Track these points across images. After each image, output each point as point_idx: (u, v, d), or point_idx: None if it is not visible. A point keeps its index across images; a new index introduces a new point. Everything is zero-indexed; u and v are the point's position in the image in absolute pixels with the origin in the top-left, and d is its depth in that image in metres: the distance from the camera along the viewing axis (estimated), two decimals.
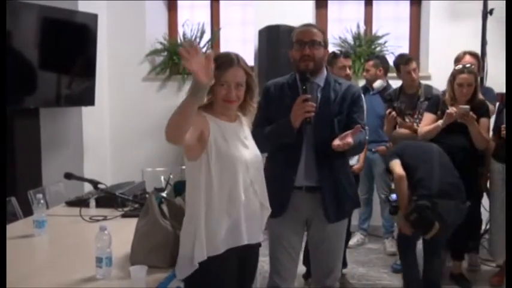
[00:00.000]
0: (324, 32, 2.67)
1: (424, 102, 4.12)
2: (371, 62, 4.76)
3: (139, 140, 5.73)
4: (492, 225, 3.89)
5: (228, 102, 2.11)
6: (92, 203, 3.24)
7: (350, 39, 5.59)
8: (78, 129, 5.22)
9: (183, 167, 2.28)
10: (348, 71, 3.78)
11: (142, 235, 2.19)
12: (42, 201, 2.72)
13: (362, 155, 4.00)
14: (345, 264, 3.96)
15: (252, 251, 2.25)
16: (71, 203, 3.33)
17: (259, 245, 2.28)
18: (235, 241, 2.12)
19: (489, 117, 3.80)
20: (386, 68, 4.76)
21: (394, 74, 4.55)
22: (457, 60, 4.17)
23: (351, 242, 4.74)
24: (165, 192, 2.71)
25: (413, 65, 4.22)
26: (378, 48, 5.50)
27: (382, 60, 4.83)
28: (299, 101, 2.47)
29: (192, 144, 2.00)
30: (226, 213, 2.08)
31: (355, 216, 4.44)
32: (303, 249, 3.00)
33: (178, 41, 5.87)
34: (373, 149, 4.49)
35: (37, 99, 4.71)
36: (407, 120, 4.14)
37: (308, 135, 2.58)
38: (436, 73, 5.00)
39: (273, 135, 2.58)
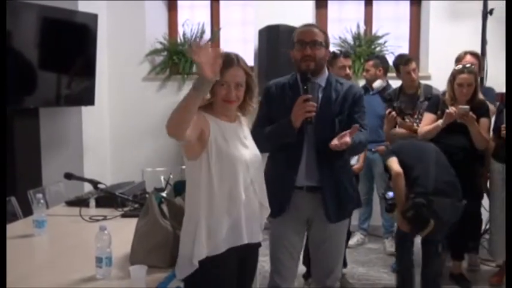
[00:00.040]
0: (325, 32, 2.68)
1: (424, 102, 4.12)
2: (371, 62, 4.76)
3: (139, 140, 5.73)
4: (492, 225, 3.90)
5: (227, 102, 2.12)
6: (92, 202, 3.24)
7: (350, 39, 5.59)
8: (78, 129, 5.22)
9: (183, 167, 2.28)
10: (348, 71, 3.77)
11: (142, 235, 2.19)
12: (42, 201, 2.72)
13: (362, 154, 4.01)
14: (344, 264, 3.96)
15: (252, 250, 2.25)
16: (70, 203, 3.33)
17: (259, 244, 2.28)
18: (236, 240, 2.12)
19: (489, 117, 3.80)
20: (386, 68, 4.76)
21: (394, 74, 4.55)
22: (458, 60, 4.17)
23: (351, 242, 4.75)
24: (165, 192, 2.71)
25: (413, 65, 4.22)
26: (378, 48, 5.50)
27: (382, 60, 4.83)
28: (300, 101, 2.47)
29: (192, 141, 2.00)
30: (227, 213, 2.08)
31: (355, 216, 4.45)
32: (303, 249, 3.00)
33: (178, 41, 5.87)
34: (373, 149, 4.48)
35: (37, 99, 4.71)
36: (407, 120, 4.14)
37: (309, 135, 2.58)
38: (436, 73, 5.00)
39: (274, 135, 2.58)
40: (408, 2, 5.68)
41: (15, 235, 2.63)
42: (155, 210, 2.19)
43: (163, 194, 2.43)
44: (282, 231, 2.70)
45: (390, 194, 3.53)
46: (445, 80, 3.84)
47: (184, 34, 5.84)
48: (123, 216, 3.01)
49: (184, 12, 6.04)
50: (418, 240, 3.62)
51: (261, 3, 5.53)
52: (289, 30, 4.78)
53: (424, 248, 3.53)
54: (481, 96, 3.85)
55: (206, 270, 2.03)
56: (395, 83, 4.51)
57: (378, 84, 4.63)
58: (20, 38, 4.34)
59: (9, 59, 4.06)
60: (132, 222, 2.33)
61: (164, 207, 2.26)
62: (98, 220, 2.91)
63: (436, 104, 3.87)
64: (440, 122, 3.71)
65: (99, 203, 3.23)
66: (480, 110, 3.73)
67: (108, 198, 3.17)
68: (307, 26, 2.70)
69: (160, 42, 5.84)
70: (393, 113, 4.09)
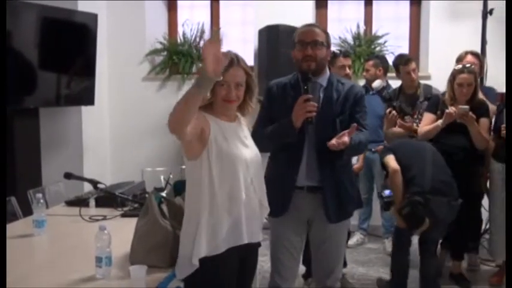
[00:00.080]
0: (327, 32, 2.67)
1: (424, 102, 4.12)
2: (371, 62, 4.76)
3: (139, 140, 5.73)
4: (492, 225, 3.90)
5: (228, 102, 2.12)
6: (92, 202, 3.24)
7: (350, 39, 5.58)
8: (78, 129, 5.21)
9: (183, 166, 2.28)
10: (348, 71, 3.78)
11: (142, 235, 2.19)
12: (41, 200, 2.72)
13: (361, 154, 4.01)
14: (344, 264, 3.96)
15: (251, 250, 2.25)
16: (70, 203, 3.33)
17: (259, 244, 2.29)
18: (236, 240, 2.12)
19: (489, 117, 3.80)
20: (386, 68, 4.76)
21: (394, 74, 4.55)
22: (459, 60, 4.16)
23: (351, 242, 4.76)
24: (165, 192, 2.71)
25: (413, 65, 4.22)
26: (378, 48, 5.50)
27: (382, 60, 4.83)
28: (300, 101, 2.48)
29: (192, 140, 2.00)
30: (228, 212, 2.08)
31: (355, 215, 4.41)
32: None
33: (178, 41, 5.87)
34: (372, 149, 4.48)
35: (37, 99, 4.71)
36: (406, 119, 4.14)
37: (310, 135, 2.58)
38: (436, 73, 4.99)
39: (275, 135, 2.59)
40: (408, 2, 5.67)
41: (15, 235, 2.63)
42: (155, 210, 2.19)
43: (163, 194, 2.43)
44: (283, 231, 2.70)
45: (386, 192, 3.55)
46: (445, 80, 3.84)
47: (184, 34, 5.84)
48: (123, 216, 3.02)
49: (184, 12, 6.04)
50: (416, 240, 3.63)
51: (261, 3, 5.53)
52: (289, 30, 4.78)
53: (421, 247, 3.55)
54: (481, 96, 3.85)
55: (206, 270, 2.03)
56: (395, 83, 4.51)
57: (377, 83, 4.63)
58: (20, 37, 4.34)
59: (9, 58, 4.06)
60: (132, 222, 2.33)
61: (164, 207, 2.26)
62: (97, 220, 2.91)
63: (435, 104, 3.87)
64: (440, 122, 3.71)
65: (99, 203, 3.23)
66: (480, 110, 3.73)
67: (108, 198, 3.17)
68: (308, 26, 2.70)
69: (160, 42, 5.84)
70: (393, 112, 4.09)
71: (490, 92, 4.16)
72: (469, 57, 4.16)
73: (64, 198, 3.54)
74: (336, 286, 2.78)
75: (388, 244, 4.69)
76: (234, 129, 2.17)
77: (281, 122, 2.56)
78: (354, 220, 4.49)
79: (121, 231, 2.48)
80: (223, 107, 2.14)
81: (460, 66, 3.80)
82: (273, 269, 2.77)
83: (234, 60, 2.11)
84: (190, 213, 2.09)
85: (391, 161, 3.49)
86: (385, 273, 4.19)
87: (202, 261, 2.03)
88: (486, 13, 4.66)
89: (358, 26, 5.59)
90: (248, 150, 2.19)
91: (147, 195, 2.47)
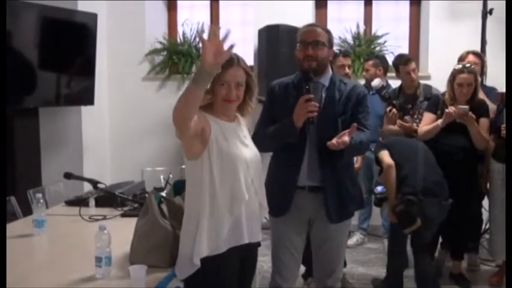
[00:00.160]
0: (329, 32, 2.67)
1: (424, 102, 4.12)
2: (371, 62, 4.76)
3: (139, 140, 5.72)
4: (492, 225, 3.89)
5: (228, 101, 2.12)
6: (92, 202, 3.24)
7: (350, 39, 5.59)
8: (78, 129, 5.21)
9: (183, 166, 2.28)
10: (347, 70, 3.78)
11: (141, 235, 2.19)
12: (41, 200, 2.72)
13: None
14: (344, 264, 3.96)
15: (252, 250, 2.25)
16: (70, 203, 3.33)
17: (258, 244, 2.29)
18: (237, 240, 2.12)
19: (489, 117, 3.80)
20: (385, 68, 4.76)
21: (394, 74, 4.55)
22: (461, 60, 4.15)
23: (351, 242, 4.76)
24: (165, 191, 2.71)
25: (413, 65, 4.22)
26: (378, 48, 5.50)
27: (382, 60, 4.82)
28: (301, 101, 2.48)
29: (194, 138, 2.00)
30: (229, 212, 2.08)
31: (355, 215, 4.42)
32: None
33: (178, 40, 5.87)
34: (372, 149, 4.48)
35: (37, 99, 4.71)
36: (406, 118, 4.13)
37: (311, 135, 2.57)
38: (436, 73, 4.99)
39: (276, 135, 2.59)
40: (408, 2, 5.68)
41: (15, 235, 2.63)
42: (155, 210, 2.19)
43: (163, 194, 2.43)
44: (284, 231, 2.69)
45: (379, 188, 3.58)
46: (445, 80, 3.84)
47: (184, 34, 5.84)
48: (123, 215, 3.02)
49: (184, 12, 6.04)
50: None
51: (261, 3, 5.53)
52: (289, 30, 4.80)
53: (413, 246, 3.57)
54: (481, 96, 3.85)
55: (207, 270, 2.03)
56: (395, 83, 4.51)
57: (376, 82, 4.63)
58: (19, 37, 4.34)
59: (9, 58, 4.05)
60: (132, 222, 2.33)
61: (164, 207, 2.26)
62: (97, 220, 2.91)
63: (435, 103, 3.87)
64: (440, 121, 3.71)
65: (99, 203, 3.23)
66: (480, 110, 3.73)
67: (107, 198, 3.17)
68: (310, 26, 2.70)
69: (160, 42, 5.84)
70: (394, 110, 4.08)
71: (491, 92, 4.16)
72: (471, 57, 4.15)
73: (64, 198, 3.54)
74: (336, 286, 2.78)
75: None
76: (233, 129, 2.17)
77: (282, 122, 2.56)
78: (354, 220, 4.46)
79: (121, 231, 2.48)
80: (223, 107, 2.13)
81: (460, 66, 3.80)
82: (274, 269, 2.77)
83: (234, 60, 2.11)
84: (190, 213, 2.08)
85: (385, 156, 3.52)
86: (385, 273, 4.19)
87: (203, 261, 2.02)
88: (486, 13, 4.66)
89: (358, 26, 5.60)
90: (248, 150, 2.19)
91: (147, 195, 2.47)
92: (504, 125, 3.56)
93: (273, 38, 4.98)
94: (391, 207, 3.43)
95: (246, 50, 5.55)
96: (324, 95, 2.63)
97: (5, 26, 3.68)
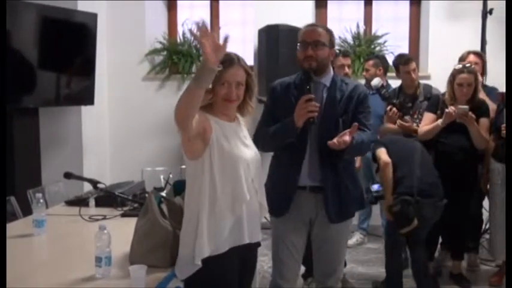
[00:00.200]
0: (330, 32, 2.66)
1: (424, 102, 4.12)
2: (371, 62, 4.76)
3: (139, 140, 5.72)
4: (492, 225, 3.90)
5: (228, 101, 2.12)
6: (92, 202, 3.24)
7: (350, 39, 5.59)
8: (78, 129, 5.21)
9: (183, 166, 2.28)
10: (347, 70, 3.78)
11: (141, 235, 2.19)
12: (41, 200, 2.72)
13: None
14: (344, 264, 3.96)
15: (252, 250, 2.25)
16: (70, 203, 3.33)
17: (258, 244, 2.28)
18: (238, 240, 2.12)
19: (489, 117, 3.80)
20: (385, 68, 4.76)
21: (394, 74, 4.55)
22: (462, 60, 4.15)
23: (351, 242, 4.75)
24: (165, 191, 2.71)
25: (413, 65, 4.22)
26: (378, 48, 5.50)
27: (382, 59, 4.82)
28: (302, 101, 2.48)
29: (195, 138, 2.00)
30: (230, 212, 2.08)
31: (355, 215, 4.45)
32: None
33: (178, 40, 5.87)
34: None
35: (36, 99, 4.71)
36: (406, 118, 4.13)
37: (312, 135, 2.58)
38: (436, 73, 4.99)
39: (277, 135, 2.59)
40: (408, 2, 5.68)
41: (15, 235, 2.63)
42: (155, 210, 2.19)
43: (163, 194, 2.43)
44: (284, 231, 2.69)
45: (375, 186, 3.59)
46: (445, 80, 3.84)
47: (184, 34, 5.83)
48: (123, 215, 3.02)
49: (184, 11, 6.04)
50: None
51: (261, 3, 5.53)
52: (289, 30, 4.80)
53: (409, 245, 3.59)
54: (481, 96, 3.85)
55: (208, 270, 2.02)
56: (395, 83, 4.50)
57: (376, 81, 4.61)
58: (19, 37, 4.34)
59: (9, 58, 4.06)
60: (132, 222, 2.33)
61: (164, 207, 2.26)
62: (97, 220, 2.91)
63: (436, 103, 3.87)
64: (440, 121, 3.71)
65: (99, 203, 3.23)
66: (480, 110, 3.73)
67: (107, 198, 3.16)
68: (311, 26, 2.70)
69: (160, 42, 5.83)
70: (394, 109, 4.08)
71: (492, 92, 4.16)
72: (472, 57, 4.15)
73: (64, 198, 3.53)
74: (336, 286, 2.78)
75: None
76: (234, 129, 2.17)
77: (283, 122, 2.56)
78: (354, 220, 4.46)
79: (121, 231, 2.48)
80: (223, 107, 2.13)
81: (460, 66, 3.80)
82: (274, 269, 2.77)
83: (234, 59, 2.11)
84: (191, 213, 2.08)
85: (382, 154, 3.53)
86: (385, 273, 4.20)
87: (204, 261, 2.02)
88: (486, 13, 4.66)
89: (357, 26, 5.60)
90: (248, 150, 2.19)
91: (146, 195, 2.47)
92: (504, 125, 3.56)
93: (273, 38, 4.97)
94: (387, 206, 3.44)
95: (246, 50, 5.56)
96: (325, 95, 2.63)
97: (5, 26, 3.68)
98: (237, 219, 2.10)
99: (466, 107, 3.62)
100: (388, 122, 4.15)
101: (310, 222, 2.71)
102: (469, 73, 3.71)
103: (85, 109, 5.19)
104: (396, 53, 4.99)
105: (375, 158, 3.62)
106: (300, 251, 2.76)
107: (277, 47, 4.87)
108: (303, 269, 3.74)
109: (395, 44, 5.48)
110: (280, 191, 2.57)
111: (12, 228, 2.77)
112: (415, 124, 4.05)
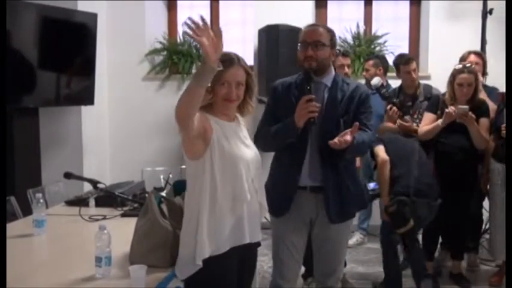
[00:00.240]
0: (331, 32, 2.66)
1: (424, 102, 4.12)
2: (371, 62, 4.76)
3: (139, 140, 5.72)
4: (492, 225, 3.89)
5: (228, 101, 2.12)
6: (92, 202, 3.24)
7: (350, 39, 5.59)
8: (78, 129, 5.21)
9: (183, 166, 2.28)
10: (347, 70, 3.77)
11: (141, 235, 2.19)
12: (41, 200, 2.72)
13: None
14: (344, 264, 3.96)
15: (252, 250, 2.25)
16: (70, 203, 3.33)
17: (258, 244, 2.28)
18: (238, 240, 2.12)
19: (489, 117, 3.80)
20: (386, 68, 4.76)
21: (394, 74, 4.55)
22: (462, 60, 4.14)
23: (351, 242, 4.75)
24: (165, 191, 2.71)
25: (413, 65, 4.21)
26: (378, 48, 5.50)
27: (382, 60, 4.82)
28: (302, 101, 2.47)
29: (196, 138, 2.00)
30: (230, 212, 2.08)
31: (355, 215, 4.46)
32: None
33: (178, 40, 5.87)
34: None
35: (36, 99, 4.71)
36: (406, 118, 4.13)
37: (313, 135, 2.57)
38: (436, 73, 4.99)
39: (278, 135, 2.59)
40: (408, 2, 5.68)
41: (15, 235, 2.63)
42: (155, 210, 2.19)
43: (163, 194, 2.43)
44: (285, 231, 2.69)
45: (371, 185, 3.60)
46: (445, 80, 3.84)
47: (183, 34, 5.84)
48: (123, 215, 3.02)
49: (184, 11, 6.04)
50: None
51: (261, 3, 5.53)
52: (289, 30, 4.80)
53: (403, 244, 3.57)
54: (481, 96, 3.84)
55: (208, 270, 2.02)
56: (395, 83, 4.50)
57: (375, 81, 4.61)
58: (19, 37, 4.34)
59: (9, 58, 4.06)
60: (132, 222, 2.33)
61: (164, 207, 2.26)
62: (97, 220, 2.91)
63: (436, 103, 3.87)
64: (440, 121, 3.71)
65: (99, 203, 3.23)
66: (480, 110, 3.73)
67: (107, 198, 3.16)
68: (312, 26, 2.70)
69: (160, 42, 5.83)
70: (394, 108, 4.08)
71: (493, 92, 4.15)
72: (472, 57, 4.15)
73: (64, 198, 3.54)
74: (337, 286, 2.78)
75: None
76: (234, 129, 2.17)
77: (284, 122, 2.56)
78: (354, 220, 4.47)
79: (121, 231, 2.48)
80: (223, 107, 2.13)
81: (460, 66, 3.80)
82: (275, 269, 2.76)
83: (234, 59, 2.11)
84: (191, 213, 2.08)
85: (380, 151, 3.54)
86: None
87: (204, 261, 2.02)
88: (486, 13, 4.66)
89: (357, 26, 5.60)
90: (249, 150, 2.19)
91: (146, 195, 2.47)
92: (504, 125, 3.56)
93: (273, 38, 4.97)
94: (384, 207, 3.45)
95: (246, 49, 5.55)
96: (326, 95, 2.62)
97: (5, 26, 3.68)
98: (237, 219, 2.10)
99: (466, 107, 3.62)
100: (388, 121, 4.15)
101: (310, 223, 2.71)
102: (469, 73, 3.71)
103: (85, 109, 5.19)
104: (396, 53, 5.00)
105: (373, 155, 3.61)
106: (300, 251, 2.75)
107: (277, 47, 4.87)
108: (302, 269, 3.75)
109: (395, 44, 5.48)
110: (281, 191, 2.57)
111: (12, 228, 2.77)
112: (415, 124, 4.05)
